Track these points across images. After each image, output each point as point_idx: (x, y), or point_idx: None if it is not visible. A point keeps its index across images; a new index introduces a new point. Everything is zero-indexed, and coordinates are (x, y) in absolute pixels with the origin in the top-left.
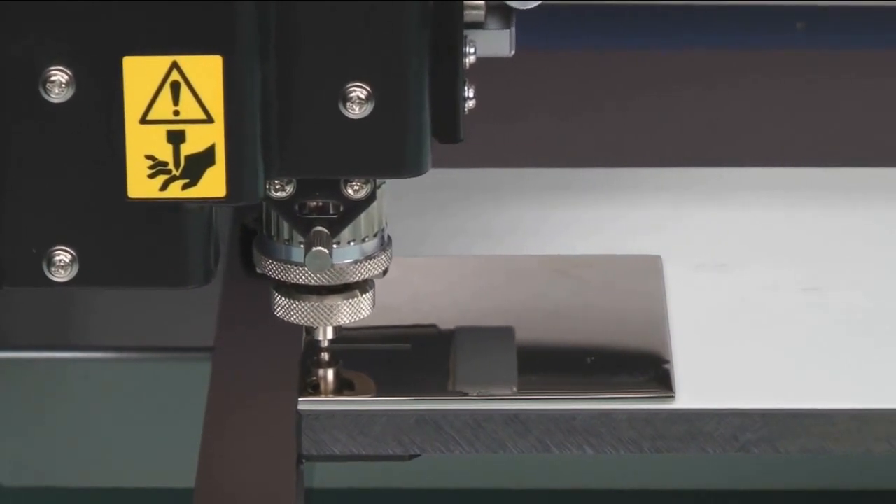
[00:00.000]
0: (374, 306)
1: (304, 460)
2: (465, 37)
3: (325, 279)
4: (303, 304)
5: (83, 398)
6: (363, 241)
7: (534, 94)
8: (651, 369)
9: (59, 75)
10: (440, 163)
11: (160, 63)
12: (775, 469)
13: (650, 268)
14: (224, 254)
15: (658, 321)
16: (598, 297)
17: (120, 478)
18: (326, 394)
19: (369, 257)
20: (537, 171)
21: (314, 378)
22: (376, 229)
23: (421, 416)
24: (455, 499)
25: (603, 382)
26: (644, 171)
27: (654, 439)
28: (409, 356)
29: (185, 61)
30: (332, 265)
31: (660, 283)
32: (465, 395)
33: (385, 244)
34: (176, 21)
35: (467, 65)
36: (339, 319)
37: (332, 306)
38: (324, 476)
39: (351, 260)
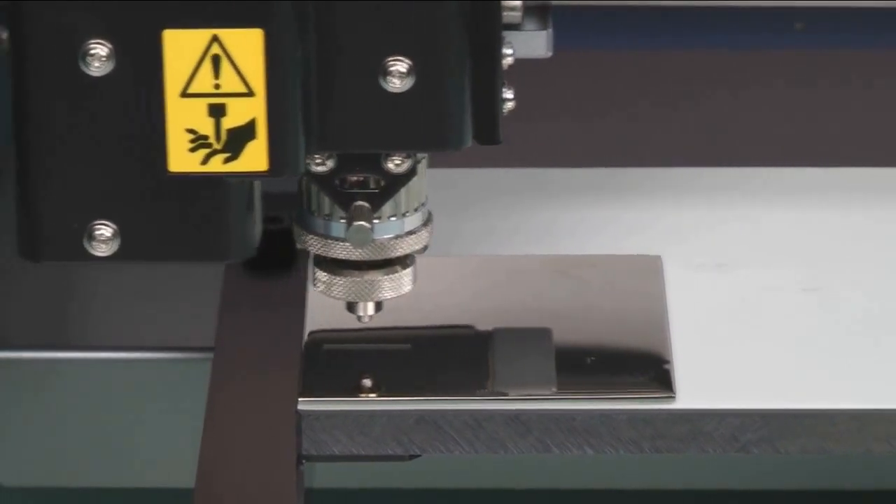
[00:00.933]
0: (415, 282)
1: (304, 460)
2: (503, 38)
3: (367, 254)
4: (344, 280)
5: (83, 398)
6: (404, 215)
7: (533, 96)
8: (651, 369)
9: (100, 48)
10: (439, 164)
11: (201, 36)
12: (775, 469)
13: (650, 268)
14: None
15: (658, 321)
16: (598, 297)
17: (120, 478)
18: (326, 394)
19: (410, 232)
20: (537, 171)
21: (314, 378)
22: (417, 204)
23: (421, 416)
24: (455, 499)
25: (603, 382)
26: (644, 171)
27: (654, 439)
28: (409, 356)
29: (226, 34)
30: (374, 240)
31: (660, 283)
32: (466, 395)
33: (427, 219)
34: None
35: (505, 66)
36: (381, 295)
37: (373, 282)
38: (324, 476)
39: (392, 235)
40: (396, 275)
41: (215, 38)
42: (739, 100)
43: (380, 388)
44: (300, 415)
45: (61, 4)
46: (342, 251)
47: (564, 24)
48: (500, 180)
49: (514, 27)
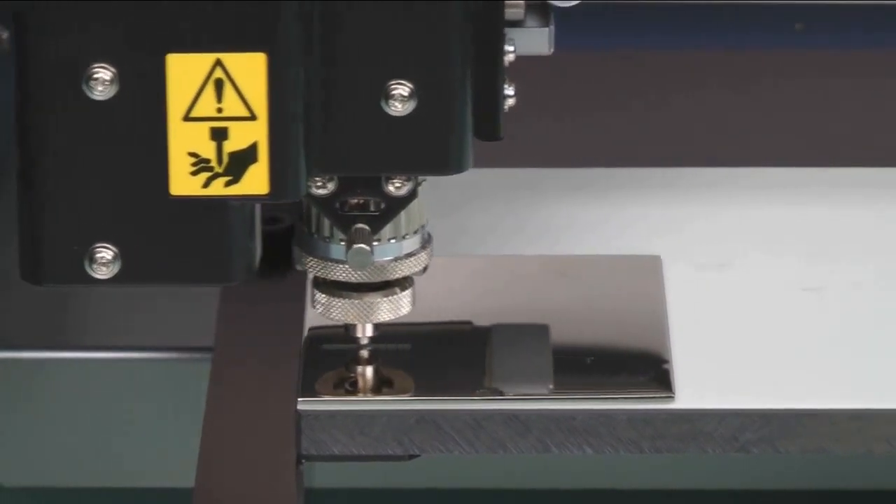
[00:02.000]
0: (413, 304)
1: (303, 460)
2: (505, 35)
3: (366, 276)
4: (342, 302)
5: (83, 398)
6: (403, 238)
7: (533, 96)
8: (651, 369)
9: (103, 73)
10: None
11: (204, 60)
12: (775, 469)
13: (650, 268)
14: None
15: (658, 321)
16: (598, 297)
17: (120, 478)
18: (326, 394)
19: (409, 255)
20: (537, 171)
21: (314, 378)
22: (416, 227)
23: (421, 416)
24: (455, 499)
25: (603, 382)
26: (644, 171)
27: (654, 439)
28: (409, 356)
29: (229, 59)
30: (373, 262)
31: (660, 283)
32: (466, 395)
33: (425, 241)
34: (220, 18)
35: (507, 63)
36: (379, 317)
37: (371, 303)
38: (324, 476)
39: (391, 257)
40: (395, 297)
41: (218, 62)
42: (739, 100)
43: (380, 388)
44: (300, 415)
45: (65, 28)
46: (341, 273)
47: (564, 24)
48: (500, 180)
49: (517, 24)
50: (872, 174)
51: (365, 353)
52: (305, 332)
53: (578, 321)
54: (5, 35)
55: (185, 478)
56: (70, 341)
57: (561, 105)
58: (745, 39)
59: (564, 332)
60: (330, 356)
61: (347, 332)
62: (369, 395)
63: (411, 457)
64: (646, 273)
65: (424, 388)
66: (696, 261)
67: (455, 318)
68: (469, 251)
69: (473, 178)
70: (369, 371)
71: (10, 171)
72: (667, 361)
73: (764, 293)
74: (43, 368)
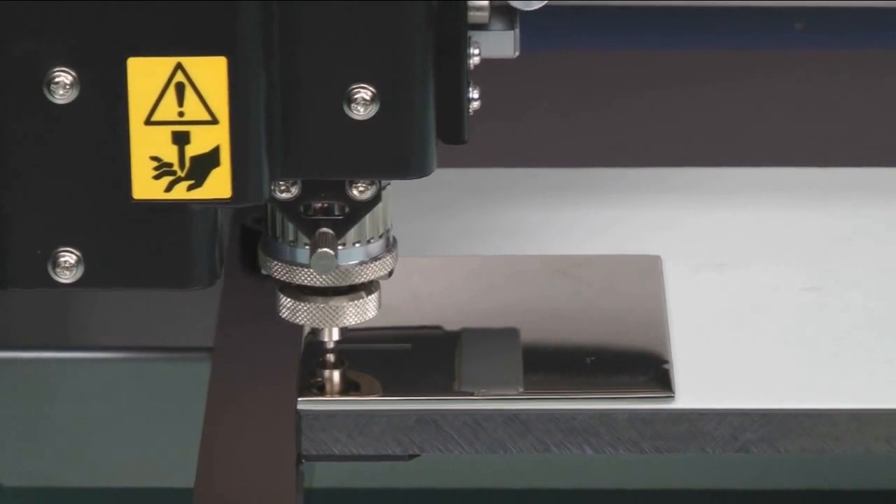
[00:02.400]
0: (379, 307)
1: (303, 460)
2: (470, 38)
3: (331, 280)
4: (308, 306)
5: (83, 398)
6: (368, 242)
7: (533, 95)
8: (651, 369)
9: (64, 76)
10: (440, 163)
11: (165, 64)
12: (775, 469)
13: (650, 268)
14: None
15: (658, 321)
16: (598, 297)
17: (120, 478)
18: (326, 394)
19: (375, 258)
20: (537, 171)
21: (314, 378)
22: (381, 230)
23: (421, 416)
24: (455, 499)
25: (603, 382)
26: (644, 171)
27: (654, 439)
28: (409, 356)
29: (190, 62)
30: (338, 266)
31: (660, 283)
32: (466, 394)
33: (390, 245)
34: (180, 22)
35: (471, 66)
36: (345, 321)
37: (337, 307)
38: (324, 476)
39: (356, 261)
40: (361, 301)
41: (179, 66)
42: (739, 100)
43: (380, 389)
44: (300, 415)
45: (25, 31)
46: (306, 277)
47: (565, 24)
48: (500, 180)
49: (482, 27)
50: (872, 174)
51: (365, 353)
52: (305, 333)
53: (578, 321)
54: None
55: (185, 478)
56: (70, 341)
57: (559, 105)
58: (745, 39)
59: (564, 332)
60: (330, 356)
61: (314, 335)
62: (369, 395)
63: (411, 457)
64: (646, 273)
65: (424, 388)
66: (696, 261)
67: (455, 318)
68: (469, 251)
69: (474, 178)
70: (369, 371)
71: None
72: (667, 361)
73: (764, 293)
74: (43, 368)
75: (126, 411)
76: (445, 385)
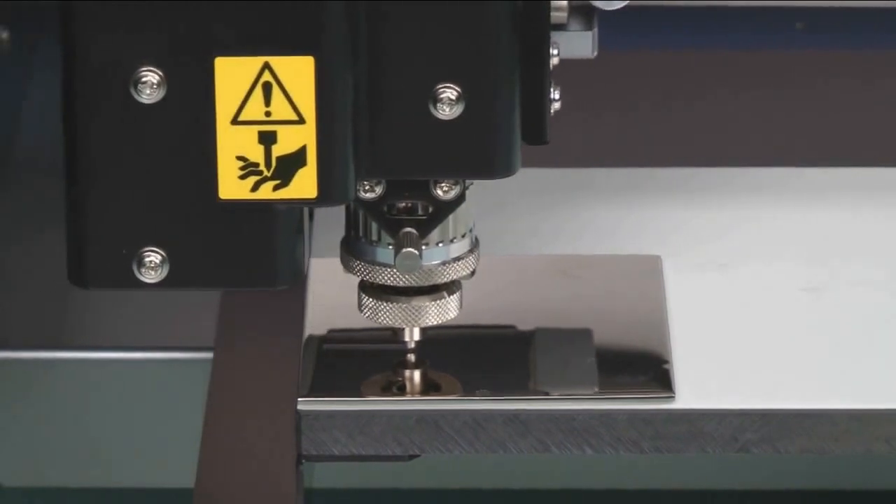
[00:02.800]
0: (461, 307)
1: (303, 460)
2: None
3: (414, 280)
4: (390, 306)
5: (83, 398)
6: (451, 242)
7: None
8: (651, 369)
9: (151, 76)
10: None
11: (252, 64)
12: (775, 469)
13: (650, 268)
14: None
15: (658, 321)
16: (598, 297)
17: (120, 478)
18: (326, 394)
19: (457, 258)
20: (537, 171)
21: (314, 378)
22: (464, 230)
23: (421, 416)
24: (455, 499)
25: (603, 382)
26: (644, 171)
27: (654, 439)
28: (409, 356)
29: (277, 62)
30: (421, 266)
31: (660, 283)
32: (466, 395)
33: (473, 245)
34: (268, 22)
35: (551, 66)
36: (427, 321)
37: (419, 307)
38: (324, 476)
39: (439, 261)
40: (443, 301)
41: (266, 66)
42: (739, 100)
43: (380, 389)
44: (300, 415)
45: (113, 32)
46: (389, 277)
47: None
48: (500, 180)
49: (560, 27)
50: (872, 174)
51: (365, 353)
52: (305, 333)
53: (578, 321)
54: (5, 35)
55: (185, 478)
56: (70, 341)
57: (561, 105)
58: (745, 39)
59: (564, 332)
60: (330, 356)
61: (395, 335)
62: (369, 395)
63: (411, 457)
64: (646, 273)
65: (425, 388)
66: (696, 261)
67: (455, 318)
68: None
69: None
70: (369, 371)
71: (10, 172)
72: (667, 361)
73: (764, 293)
74: (43, 368)
75: (126, 411)
76: (445, 385)
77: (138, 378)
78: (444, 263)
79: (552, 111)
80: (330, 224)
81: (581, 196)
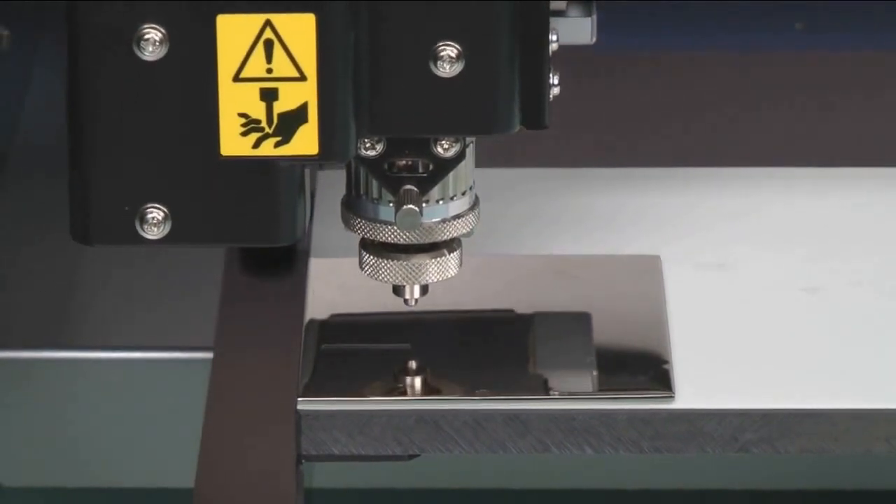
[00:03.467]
0: (460, 265)
1: (303, 460)
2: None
3: (414, 238)
4: (391, 263)
5: (83, 398)
6: (451, 199)
7: None
8: (651, 369)
9: (153, 33)
10: None
11: (254, 21)
12: (775, 469)
13: (650, 268)
14: (223, 253)
15: (658, 321)
16: (598, 297)
17: (120, 478)
18: (326, 394)
19: (457, 216)
20: (536, 170)
21: (314, 378)
22: (464, 188)
23: (421, 416)
24: (455, 499)
25: (603, 382)
26: (644, 171)
27: (654, 439)
28: (409, 356)
29: (279, 19)
30: (422, 224)
31: (660, 283)
32: (466, 395)
33: (473, 203)
34: None
35: (550, 52)
36: (427, 278)
37: (419, 265)
38: (324, 476)
39: (439, 219)
40: (443, 258)
41: (268, 23)
42: (740, 100)
43: (380, 388)
44: (300, 415)
45: None
46: (390, 234)
47: None
48: (499, 180)
49: (559, 14)
50: (872, 174)
51: (365, 353)
52: (305, 333)
53: (579, 321)
54: (5, 35)
55: (185, 478)
56: (70, 341)
57: (561, 105)
58: (745, 39)
59: (564, 332)
60: (330, 356)
61: (395, 292)
62: (369, 395)
63: (411, 457)
64: (646, 273)
65: (424, 388)
66: (696, 261)
67: (455, 318)
68: (469, 251)
69: (474, 178)
70: (369, 371)
71: (10, 172)
72: (667, 361)
73: (764, 293)
74: (43, 368)
75: (126, 411)
76: (445, 385)
77: (138, 378)
78: (444, 221)
79: (551, 96)
80: (331, 219)
81: (581, 196)
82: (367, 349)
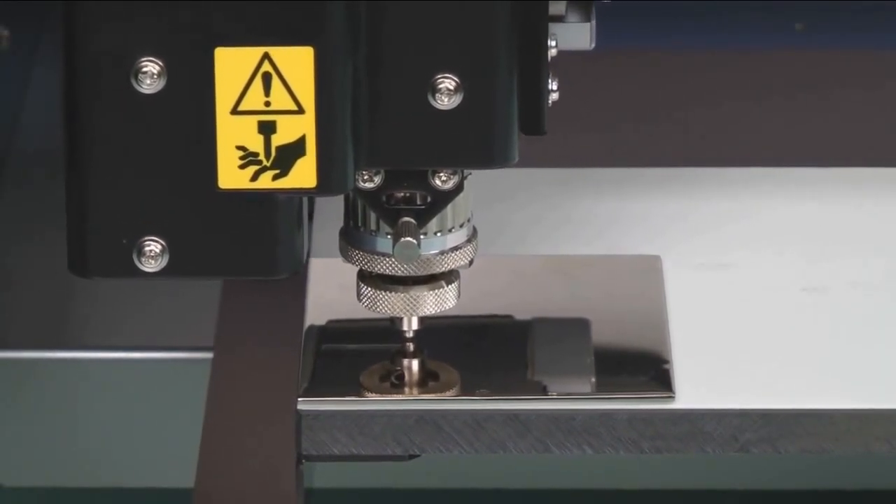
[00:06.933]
0: (458, 297)
1: (303, 460)
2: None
3: (412, 270)
4: (389, 295)
5: (83, 398)
6: (449, 231)
7: None
8: (651, 369)
9: (151, 66)
10: None
11: (252, 54)
12: (775, 469)
13: (650, 268)
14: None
15: (658, 321)
16: (598, 297)
17: (120, 478)
18: (326, 394)
19: (455, 248)
20: (535, 171)
21: (314, 378)
22: (462, 220)
23: (421, 416)
24: (455, 499)
25: (603, 382)
26: (644, 171)
27: (654, 439)
28: (409, 356)
29: (277, 52)
30: (420, 256)
31: (660, 283)
32: (466, 394)
33: (471, 235)
34: (268, 12)
35: (549, 58)
36: (425, 310)
37: (417, 297)
38: (324, 476)
39: (437, 251)
40: (441, 290)
41: (266, 56)
42: (740, 100)
43: (380, 388)
44: (300, 415)
45: (114, 22)
46: (388, 266)
47: None
48: (499, 180)
49: (559, 19)
50: (872, 174)
51: (365, 353)
52: (305, 333)
53: (579, 321)
54: (5, 35)
55: (185, 478)
56: (70, 341)
57: (560, 105)
58: (745, 39)
59: (564, 332)
60: (330, 356)
61: (393, 325)
62: (369, 395)
63: (411, 457)
64: (646, 273)
65: (425, 388)
66: (696, 260)
67: (455, 319)
68: None
69: (473, 178)
70: (369, 371)
71: (10, 172)
72: (667, 361)
73: (764, 293)
74: (43, 368)
75: (126, 411)
76: (445, 385)
77: (138, 378)
78: (442, 253)
79: (550, 102)
80: (330, 219)
81: (580, 196)
82: (367, 349)
